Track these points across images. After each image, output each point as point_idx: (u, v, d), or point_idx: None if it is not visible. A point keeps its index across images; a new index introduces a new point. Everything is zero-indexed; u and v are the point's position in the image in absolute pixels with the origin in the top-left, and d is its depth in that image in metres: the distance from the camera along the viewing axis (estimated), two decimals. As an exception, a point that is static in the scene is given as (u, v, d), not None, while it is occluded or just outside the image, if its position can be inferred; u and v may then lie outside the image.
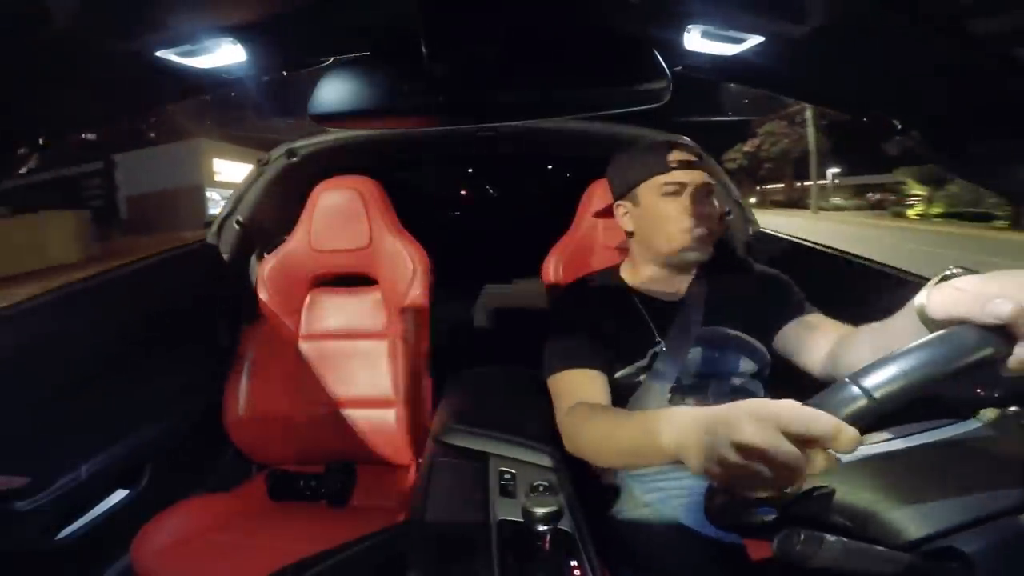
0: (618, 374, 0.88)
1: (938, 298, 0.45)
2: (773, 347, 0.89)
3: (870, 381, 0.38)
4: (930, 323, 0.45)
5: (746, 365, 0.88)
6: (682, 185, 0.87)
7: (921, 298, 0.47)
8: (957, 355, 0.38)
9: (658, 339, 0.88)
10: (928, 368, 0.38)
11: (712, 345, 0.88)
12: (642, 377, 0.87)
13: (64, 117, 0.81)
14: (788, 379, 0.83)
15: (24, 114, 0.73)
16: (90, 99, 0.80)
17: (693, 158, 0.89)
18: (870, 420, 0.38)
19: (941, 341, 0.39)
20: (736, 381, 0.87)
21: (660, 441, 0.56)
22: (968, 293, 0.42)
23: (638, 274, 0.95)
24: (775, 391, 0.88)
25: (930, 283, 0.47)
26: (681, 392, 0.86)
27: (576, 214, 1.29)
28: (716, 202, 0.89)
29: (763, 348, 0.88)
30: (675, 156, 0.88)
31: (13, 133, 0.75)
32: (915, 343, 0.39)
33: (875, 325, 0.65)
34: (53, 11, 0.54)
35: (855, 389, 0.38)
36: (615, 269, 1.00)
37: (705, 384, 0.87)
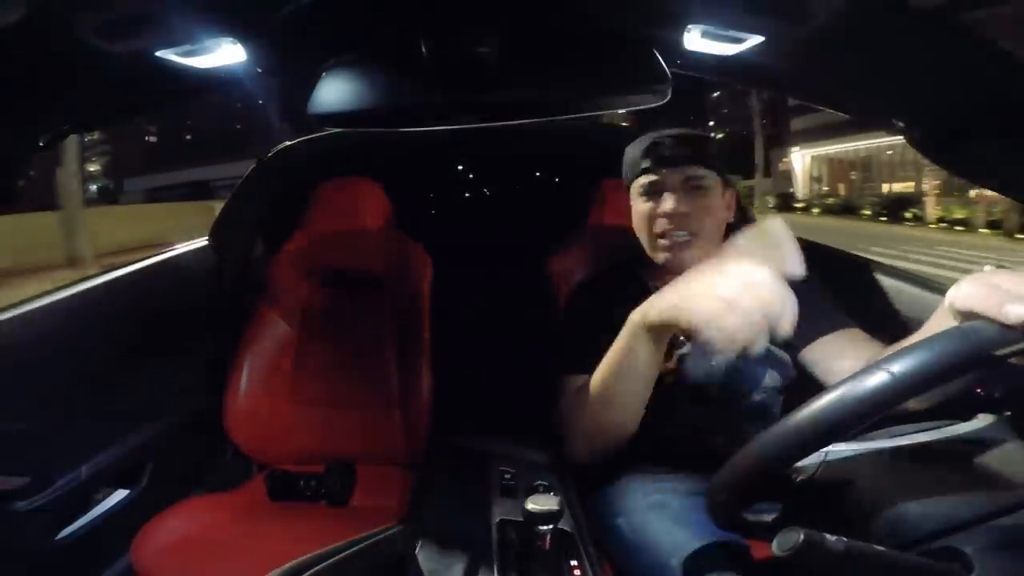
0: None
1: (967, 289, 0.44)
2: (800, 359, 0.85)
3: (897, 367, 0.38)
4: (957, 315, 0.45)
5: (771, 378, 0.85)
6: (656, 185, 0.85)
7: (953, 290, 0.47)
8: (979, 348, 0.39)
9: (683, 340, 0.85)
10: (954, 357, 0.38)
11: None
12: (667, 380, 0.84)
13: (64, 118, 0.81)
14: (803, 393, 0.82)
15: (24, 115, 0.73)
16: (90, 99, 0.80)
17: (675, 152, 0.85)
18: (897, 405, 0.39)
19: (964, 333, 0.40)
20: (758, 396, 0.84)
21: (645, 324, 0.64)
22: (997, 290, 0.41)
23: (653, 273, 0.92)
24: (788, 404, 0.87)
25: (965, 278, 0.46)
26: (701, 404, 0.84)
27: (586, 212, 1.28)
28: (710, 199, 0.85)
29: (789, 360, 0.86)
30: (653, 153, 0.85)
31: (13, 134, 0.75)
32: (941, 332, 0.40)
33: (912, 337, 0.64)
34: (53, 11, 0.54)
35: (884, 374, 0.39)
36: (640, 262, 0.96)
37: (726, 397, 0.84)
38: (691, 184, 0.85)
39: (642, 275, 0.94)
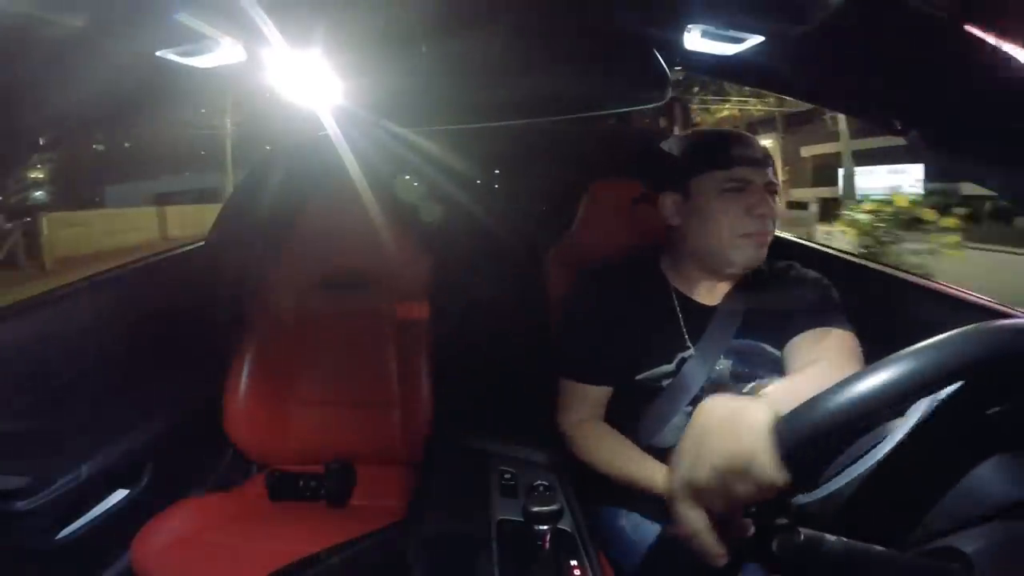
0: (640, 376, 0.84)
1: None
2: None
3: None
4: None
5: (772, 381, 0.84)
6: (745, 183, 0.80)
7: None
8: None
9: (688, 345, 0.84)
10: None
11: (743, 359, 0.83)
12: (666, 382, 0.84)
13: (64, 117, 0.81)
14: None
15: (25, 114, 0.73)
16: (90, 99, 0.80)
17: (761, 155, 0.82)
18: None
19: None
20: None
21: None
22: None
23: (678, 271, 0.89)
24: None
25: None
26: None
27: (577, 215, 1.28)
28: (776, 204, 0.83)
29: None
30: (740, 150, 0.81)
31: (14, 133, 0.75)
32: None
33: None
34: (53, 11, 0.54)
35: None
36: (654, 259, 0.93)
37: None
38: (771, 187, 0.82)
39: (667, 274, 0.91)
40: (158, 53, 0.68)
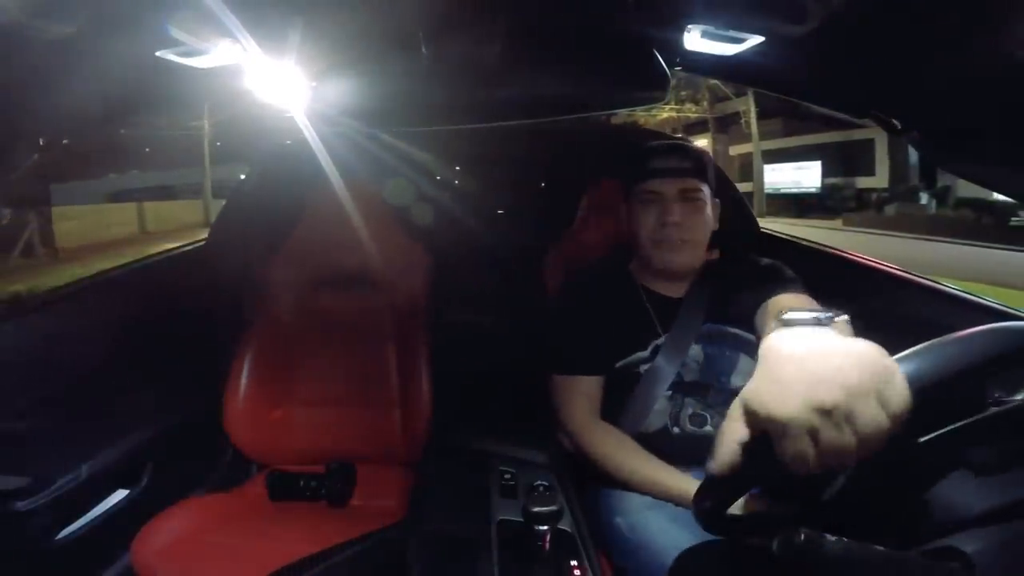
0: (619, 364, 0.90)
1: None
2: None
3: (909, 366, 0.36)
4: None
5: (746, 364, 0.88)
6: (657, 195, 0.89)
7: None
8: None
9: (660, 332, 0.90)
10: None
11: (712, 342, 0.89)
12: (643, 368, 0.89)
13: (64, 117, 0.81)
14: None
15: (25, 114, 0.73)
16: (90, 99, 0.80)
17: (677, 165, 0.90)
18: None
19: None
20: (736, 383, 0.88)
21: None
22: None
23: (642, 269, 0.98)
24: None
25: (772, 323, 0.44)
26: (681, 392, 0.88)
27: (577, 214, 1.29)
28: (703, 210, 0.90)
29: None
30: (656, 163, 0.90)
31: (14, 133, 0.75)
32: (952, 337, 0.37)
33: None
34: (53, 11, 0.54)
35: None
36: (623, 261, 1.02)
37: (705, 387, 0.88)
38: (687, 195, 0.90)
39: (634, 272, 0.99)
40: (158, 53, 0.68)
